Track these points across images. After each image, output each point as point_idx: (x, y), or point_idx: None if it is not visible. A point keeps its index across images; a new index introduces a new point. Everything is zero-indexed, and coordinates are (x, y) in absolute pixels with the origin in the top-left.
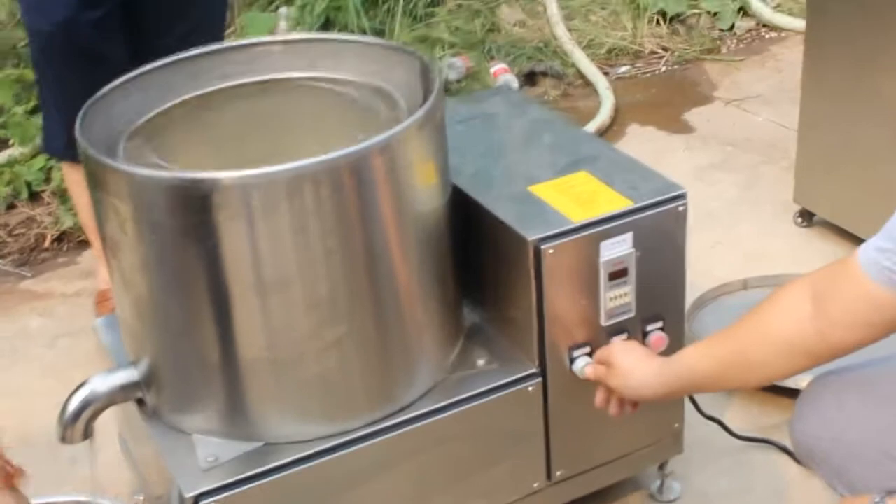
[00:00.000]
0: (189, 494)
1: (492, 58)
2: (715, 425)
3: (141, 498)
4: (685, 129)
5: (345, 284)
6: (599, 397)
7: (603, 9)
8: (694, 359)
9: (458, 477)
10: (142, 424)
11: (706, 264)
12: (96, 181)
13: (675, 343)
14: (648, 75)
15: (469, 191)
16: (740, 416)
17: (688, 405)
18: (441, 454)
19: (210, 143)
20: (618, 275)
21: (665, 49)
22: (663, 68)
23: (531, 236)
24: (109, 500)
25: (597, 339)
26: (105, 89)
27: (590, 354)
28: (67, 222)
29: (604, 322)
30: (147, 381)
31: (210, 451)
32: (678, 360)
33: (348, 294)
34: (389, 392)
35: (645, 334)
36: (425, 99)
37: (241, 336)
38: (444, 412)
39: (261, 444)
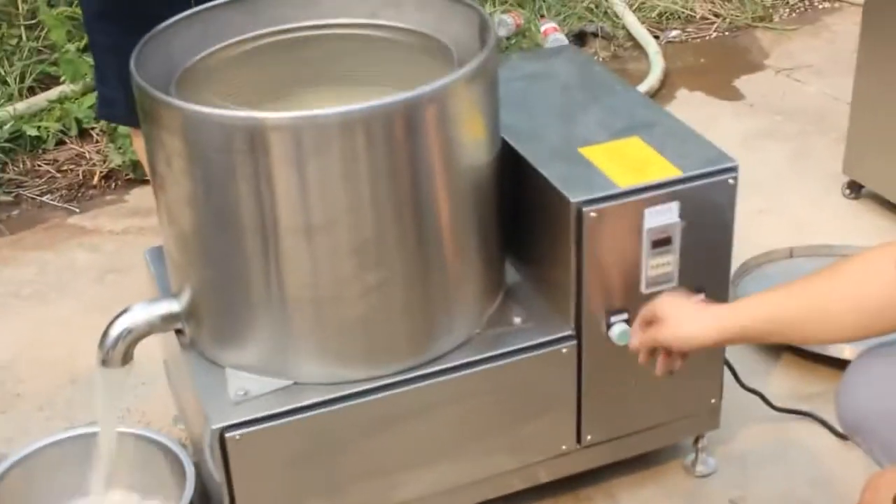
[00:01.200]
0: (216, 426)
1: (542, 16)
2: (753, 396)
3: (181, 427)
4: (734, 96)
5: (388, 230)
6: (643, 356)
7: None
8: (762, 308)
9: (485, 432)
10: (179, 355)
11: (751, 231)
12: (148, 115)
13: None
14: (699, 41)
15: (519, 147)
16: (779, 385)
17: (726, 377)
18: (470, 408)
19: (264, 83)
20: (661, 243)
21: (717, 15)
22: (714, 34)
23: (574, 198)
24: (142, 428)
25: (636, 306)
26: (163, 25)
27: (628, 321)
28: (116, 160)
29: (644, 290)
30: (187, 313)
31: (241, 385)
32: (742, 308)
33: (390, 240)
34: (423, 341)
35: None
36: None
37: (281, 274)
38: (475, 367)
39: (291, 382)
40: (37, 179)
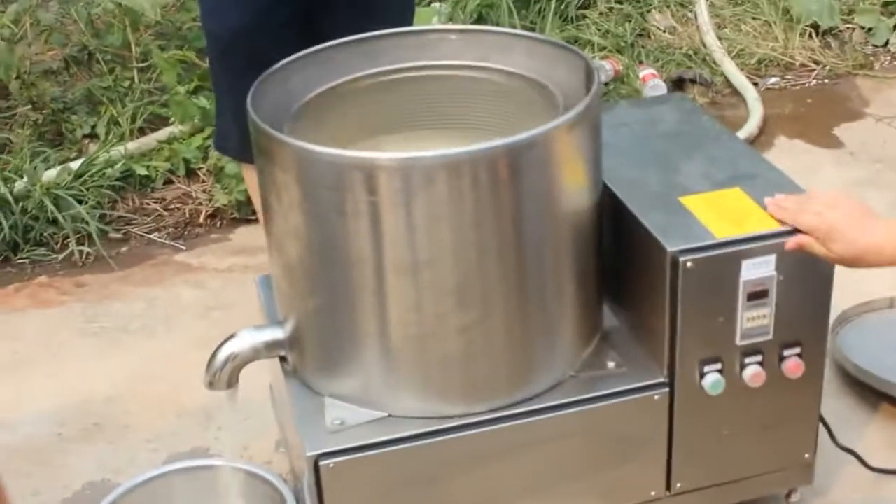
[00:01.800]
0: (311, 453)
1: (640, 62)
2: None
3: (283, 450)
4: (834, 143)
5: (488, 270)
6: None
7: (755, 19)
8: None
9: (575, 474)
10: (282, 381)
11: (852, 280)
12: (262, 151)
13: (812, 372)
14: (798, 88)
15: (620, 194)
16: (878, 444)
17: (822, 434)
18: (561, 449)
19: (376, 121)
20: (757, 295)
21: (816, 62)
22: (814, 82)
23: (671, 247)
24: (252, 465)
25: (730, 356)
26: (282, 63)
27: (721, 371)
28: (222, 199)
29: (738, 341)
30: (291, 341)
31: (338, 414)
32: None
33: (490, 280)
34: (518, 381)
35: (781, 359)
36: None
37: (382, 309)
38: (568, 408)
39: (386, 414)
40: (145, 217)
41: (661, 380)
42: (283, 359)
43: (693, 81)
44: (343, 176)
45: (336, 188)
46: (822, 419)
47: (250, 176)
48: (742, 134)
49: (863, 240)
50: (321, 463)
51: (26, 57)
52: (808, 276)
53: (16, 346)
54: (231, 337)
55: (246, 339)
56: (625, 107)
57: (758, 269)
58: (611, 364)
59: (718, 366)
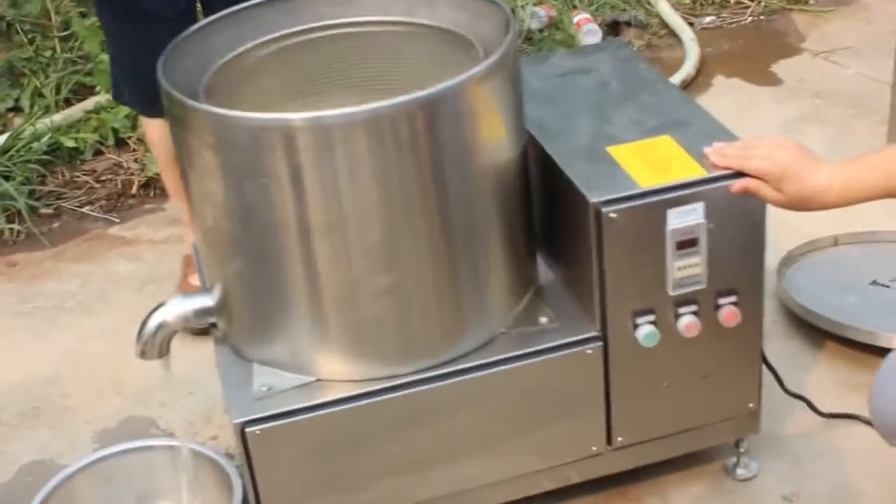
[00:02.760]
0: (237, 420)
1: (574, 7)
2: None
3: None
4: (772, 81)
5: (408, 228)
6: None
7: None
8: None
9: (510, 432)
10: (212, 349)
11: (793, 220)
12: (174, 117)
13: (751, 319)
14: (734, 25)
15: (546, 144)
16: (827, 386)
17: (770, 380)
18: (493, 408)
19: (293, 82)
20: (686, 244)
21: None
22: (749, 19)
23: (594, 198)
24: (198, 444)
25: (663, 308)
26: (199, 24)
27: (654, 323)
28: (153, 169)
29: (671, 291)
30: (218, 308)
31: (266, 380)
32: (880, 155)
33: (409, 238)
34: (446, 340)
35: (717, 307)
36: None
37: (303, 272)
38: (498, 366)
39: (314, 379)
40: (76, 191)
41: (594, 333)
42: (213, 325)
43: (628, 24)
44: (257, 139)
45: (251, 151)
46: (768, 365)
47: (149, 128)
48: (679, 75)
49: (811, 181)
50: (248, 430)
51: None
52: (739, 223)
53: None
54: (160, 305)
55: (174, 307)
56: (561, 56)
57: (685, 218)
58: (543, 319)
59: (652, 317)
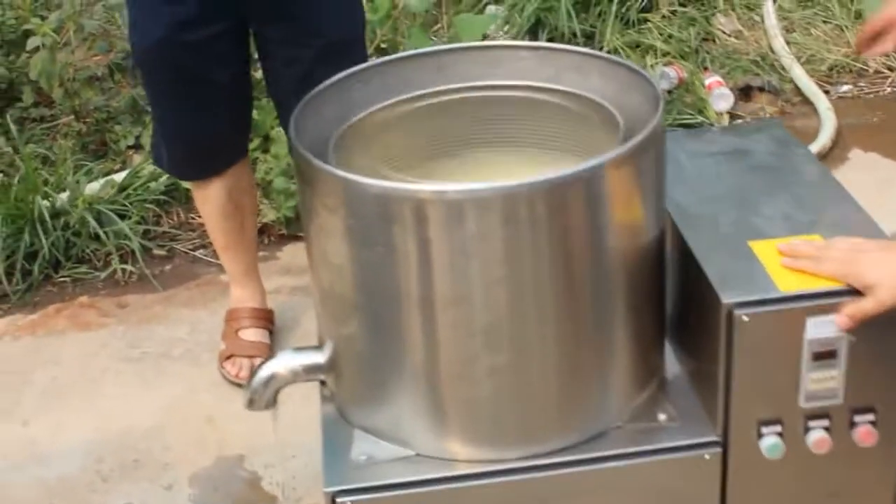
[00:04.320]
0: (329, 489)
1: (705, 69)
2: None
3: None
4: None
5: (532, 309)
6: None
7: (825, 22)
8: None
9: None
10: (318, 406)
11: None
12: (300, 172)
13: (888, 439)
14: (872, 96)
15: (685, 232)
16: None
17: None
18: None
19: (431, 141)
20: (824, 356)
21: (890, 69)
22: (889, 89)
23: (727, 298)
24: None
25: (791, 419)
26: (333, 79)
27: (780, 435)
28: (270, 215)
29: (802, 403)
30: (328, 367)
31: (365, 448)
32: None
33: (534, 319)
34: (559, 429)
35: (852, 424)
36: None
37: (418, 344)
38: (609, 462)
39: (414, 453)
40: (190, 233)
41: (715, 438)
42: (323, 383)
43: (761, 89)
44: (383, 207)
45: (375, 219)
46: None
47: (196, 195)
48: (814, 147)
49: None
50: (338, 500)
51: (70, 64)
52: (884, 336)
53: (55, 371)
54: (270, 358)
55: (285, 361)
56: (712, 133)
57: (825, 328)
58: (662, 416)
59: (778, 428)
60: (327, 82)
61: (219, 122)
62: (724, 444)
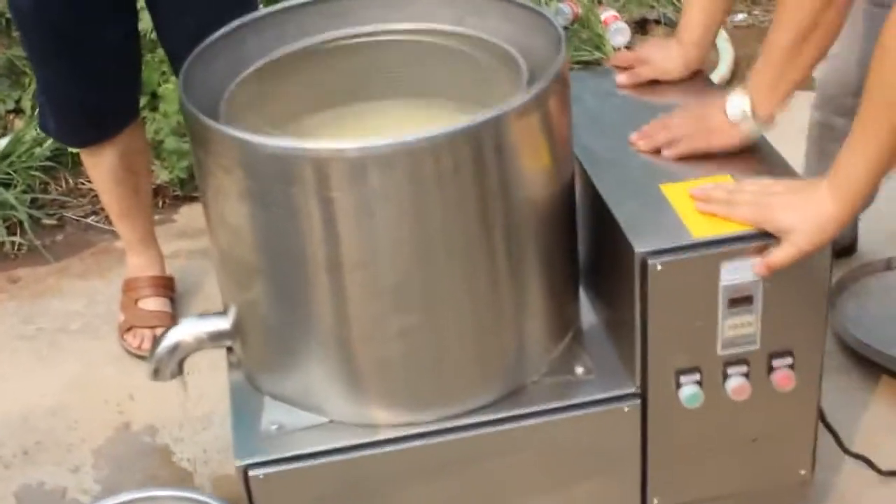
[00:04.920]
0: (241, 462)
1: (600, 3)
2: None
3: None
4: (810, 84)
5: (441, 264)
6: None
7: None
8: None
9: (536, 491)
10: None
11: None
12: (193, 133)
13: (807, 382)
14: (767, 24)
15: (595, 177)
16: (890, 435)
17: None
18: (517, 464)
19: (328, 90)
20: (739, 302)
21: None
22: None
23: (639, 247)
24: (205, 495)
25: (710, 367)
26: (222, 31)
27: (699, 383)
28: (163, 176)
29: (720, 351)
30: (233, 333)
31: (276, 417)
32: (841, 166)
33: (444, 274)
34: (473, 387)
35: (770, 370)
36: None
37: (326, 307)
38: (526, 419)
39: (327, 420)
40: (81, 199)
41: (633, 390)
42: (230, 350)
43: (657, 22)
44: (283, 168)
45: (275, 180)
46: (827, 426)
47: (87, 161)
48: (714, 78)
49: (812, 209)
50: (251, 473)
51: None
52: (800, 279)
53: None
54: (172, 327)
55: (188, 328)
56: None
57: (740, 274)
58: (579, 369)
59: (697, 377)
60: (218, 33)
61: (107, 84)
62: (643, 396)
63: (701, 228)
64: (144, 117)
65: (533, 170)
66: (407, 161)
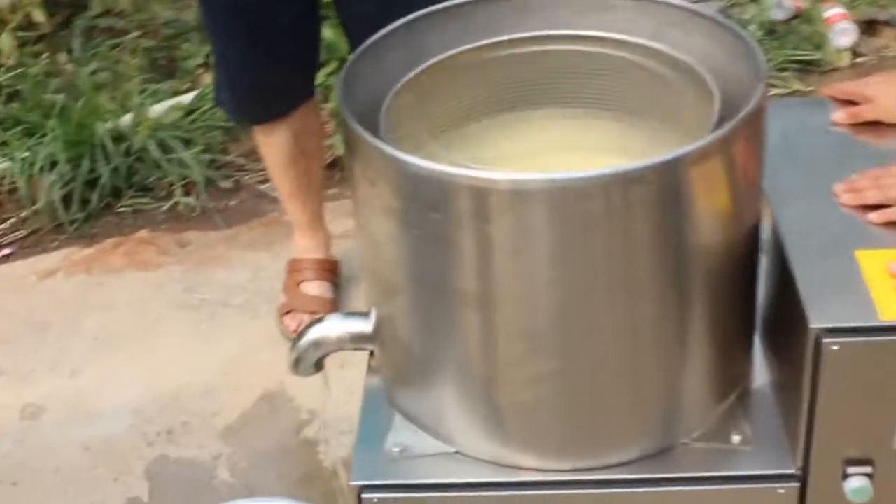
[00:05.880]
0: (355, 482)
1: None
2: None
3: None
4: None
5: (601, 309)
6: None
7: None
8: None
9: None
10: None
11: None
12: (349, 146)
13: None
14: None
15: (781, 225)
16: None
17: None
18: None
19: (488, 102)
20: None
21: None
22: None
23: (815, 321)
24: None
25: (883, 461)
26: (376, 36)
27: (870, 476)
28: (341, 149)
29: None
30: (374, 338)
31: (402, 439)
32: None
33: (603, 320)
34: (617, 442)
35: None
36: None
37: (457, 339)
38: (666, 485)
39: (454, 451)
40: (258, 163)
41: (793, 471)
42: (372, 354)
43: (888, 24)
44: (426, 191)
45: (421, 203)
46: None
47: (260, 139)
48: None
49: None
50: (364, 496)
51: None
52: None
53: (107, 317)
54: (316, 322)
55: (332, 326)
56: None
57: None
58: (736, 437)
59: (868, 469)
60: (387, 29)
61: (281, 62)
62: (803, 480)
63: (892, 309)
64: (330, 85)
65: (712, 214)
66: (567, 198)
